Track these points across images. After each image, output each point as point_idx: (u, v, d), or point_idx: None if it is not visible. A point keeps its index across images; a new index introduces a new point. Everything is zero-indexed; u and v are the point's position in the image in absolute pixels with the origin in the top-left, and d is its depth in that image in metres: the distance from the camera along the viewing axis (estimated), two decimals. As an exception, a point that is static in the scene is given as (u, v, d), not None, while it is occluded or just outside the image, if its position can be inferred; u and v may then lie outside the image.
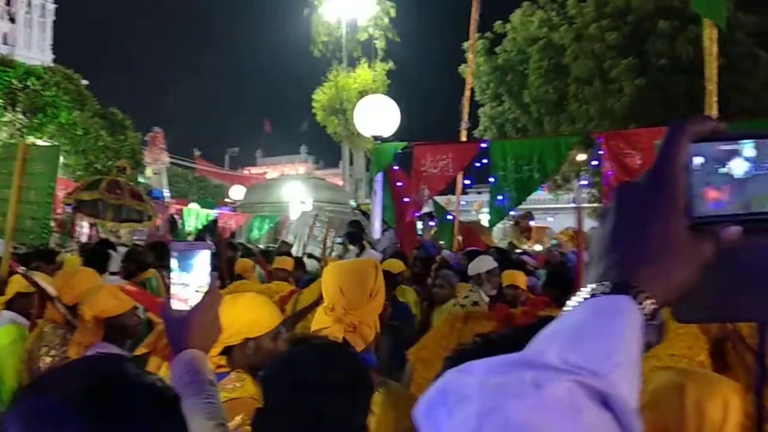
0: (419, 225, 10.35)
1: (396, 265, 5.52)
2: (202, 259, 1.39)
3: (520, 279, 5.02)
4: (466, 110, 10.64)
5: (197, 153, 52.36)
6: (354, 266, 2.60)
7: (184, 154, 45.92)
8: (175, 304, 1.39)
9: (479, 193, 28.38)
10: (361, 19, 27.24)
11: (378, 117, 8.74)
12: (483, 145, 8.01)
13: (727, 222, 0.60)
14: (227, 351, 2.28)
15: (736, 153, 0.60)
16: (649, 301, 0.56)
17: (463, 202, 10.49)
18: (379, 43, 27.72)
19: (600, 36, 20.85)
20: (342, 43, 27.75)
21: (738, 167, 0.60)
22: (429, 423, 0.50)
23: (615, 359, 0.50)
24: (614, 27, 20.83)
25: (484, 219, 18.36)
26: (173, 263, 1.38)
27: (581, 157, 18.97)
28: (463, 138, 9.66)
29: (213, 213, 18.29)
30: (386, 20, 24.71)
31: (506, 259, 6.64)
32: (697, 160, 0.60)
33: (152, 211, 12.28)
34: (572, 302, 0.57)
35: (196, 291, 1.39)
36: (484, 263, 5.09)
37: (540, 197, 35.84)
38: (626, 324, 0.53)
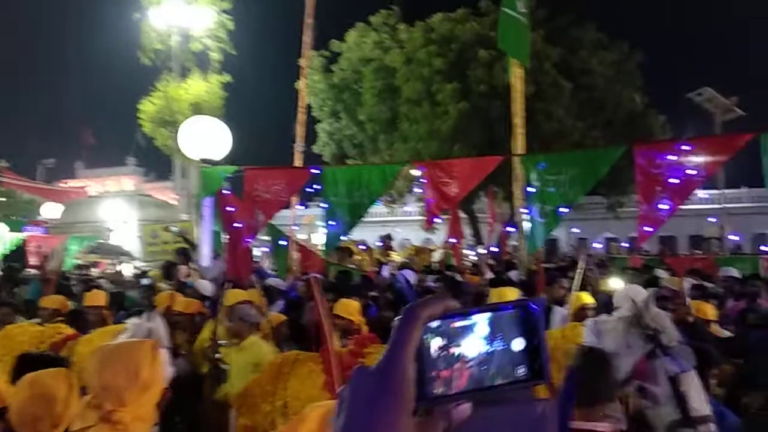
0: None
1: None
2: None
3: (350, 308, 4.99)
4: (300, 133, 10.69)
5: (4, 164, 46.46)
6: (121, 352, 2.14)
7: (-14, 166, 40.51)
8: None
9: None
10: (195, 29, 26.12)
11: (207, 140, 8.41)
12: (315, 171, 8.08)
13: (459, 399, 0.62)
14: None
15: (470, 329, 0.63)
16: None
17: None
18: (215, 55, 26.80)
19: (428, 61, 22.14)
20: (173, 53, 26.39)
21: (470, 345, 0.63)
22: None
23: None
24: (440, 53, 22.25)
25: (315, 237, 18.44)
26: None
27: (415, 172, 20.01)
28: (297, 161, 9.66)
29: (22, 235, 16.33)
30: (223, 33, 23.98)
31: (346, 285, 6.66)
32: (434, 342, 0.63)
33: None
34: None
35: None
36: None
37: (378, 210, 37.08)
38: None
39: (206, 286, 6.79)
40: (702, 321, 4.19)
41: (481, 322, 0.64)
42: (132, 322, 3.20)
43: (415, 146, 22.23)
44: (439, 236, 18.64)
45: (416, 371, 0.62)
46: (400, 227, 33.35)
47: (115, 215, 16.13)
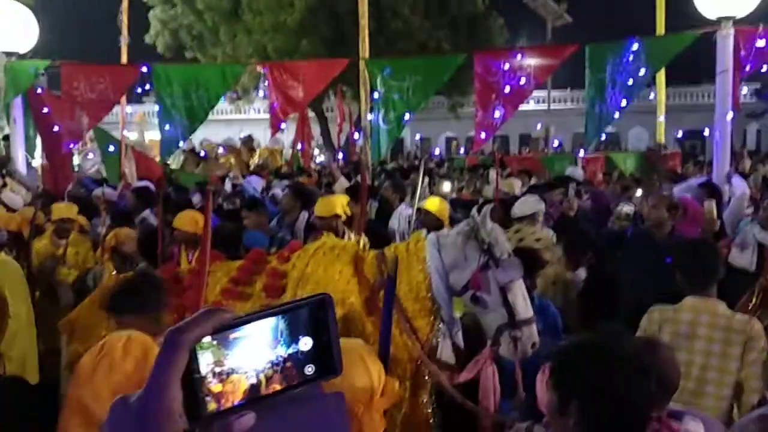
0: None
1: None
2: None
3: (191, 220, 4.69)
4: (125, 22, 9.56)
5: None
6: None
7: None
8: None
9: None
10: None
11: (8, 28, 7.13)
12: (144, 69, 7.33)
13: (238, 412, 0.60)
14: None
15: (248, 338, 0.61)
16: None
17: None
18: None
19: (271, -54, 20.57)
20: None
21: (248, 355, 0.61)
22: None
23: None
24: (282, -61, 20.73)
25: (149, 136, 17.07)
26: None
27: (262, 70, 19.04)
28: (124, 55, 8.70)
29: None
30: None
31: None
32: (204, 359, 0.59)
33: None
34: None
35: None
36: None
37: (222, 108, 35.13)
38: None
39: (14, 200, 6.04)
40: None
41: (260, 328, 0.61)
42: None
43: (260, 40, 21.04)
44: (289, 136, 18.23)
45: (187, 395, 0.58)
46: (247, 126, 32.09)
47: None
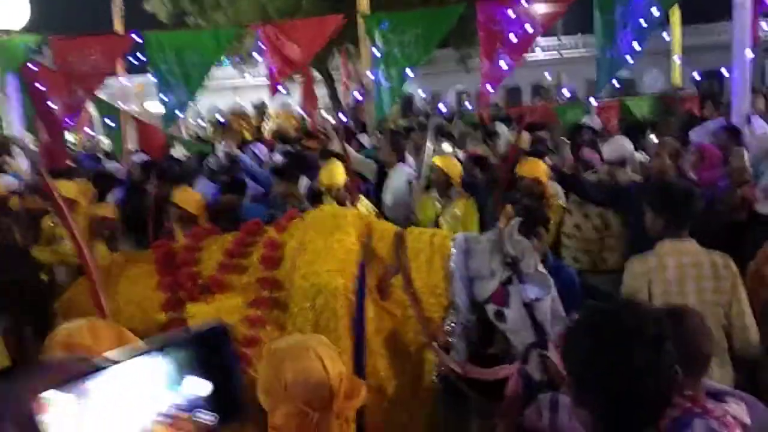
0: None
1: None
2: None
3: (188, 197, 4.48)
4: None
5: None
6: None
7: None
8: None
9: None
10: None
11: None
12: (136, 37, 7.12)
13: None
14: None
15: (110, 389, 0.48)
16: None
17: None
18: None
19: None
20: None
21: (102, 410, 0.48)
22: None
23: None
24: None
25: (153, 104, 16.82)
26: None
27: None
28: (118, 25, 8.48)
29: None
30: None
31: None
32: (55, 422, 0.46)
33: None
34: None
35: None
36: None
37: (228, 73, 34.69)
38: None
39: (9, 181, 5.93)
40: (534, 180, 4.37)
41: (126, 375, 0.48)
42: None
43: (261, 1, 20.54)
44: (296, 99, 17.86)
45: None
46: (254, 92, 31.70)
47: None
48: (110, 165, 7.33)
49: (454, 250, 2.71)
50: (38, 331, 3.79)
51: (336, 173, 4.66)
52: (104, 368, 0.48)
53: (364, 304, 2.70)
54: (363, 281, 2.47)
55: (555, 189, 4.63)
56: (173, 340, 0.50)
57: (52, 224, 4.92)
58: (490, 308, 2.63)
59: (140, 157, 6.75)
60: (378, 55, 6.49)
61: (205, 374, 0.50)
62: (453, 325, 2.71)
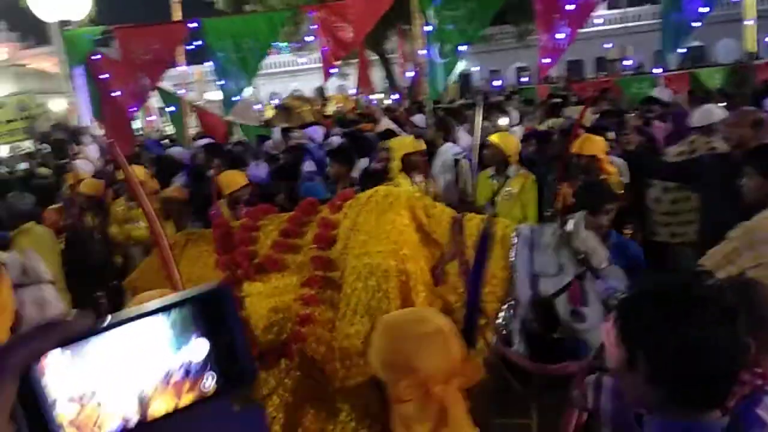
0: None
1: None
2: None
3: (239, 179, 4.66)
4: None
5: None
6: None
7: None
8: None
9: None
10: None
11: (61, -2, 7.21)
12: (194, 25, 7.26)
13: None
14: None
15: (112, 350, 0.47)
16: None
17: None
18: None
19: None
20: None
21: (112, 372, 0.47)
22: None
23: None
24: None
25: (212, 94, 17.23)
26: None
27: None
28: (176, 12, 8.68)
29: None
30: None
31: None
32: (52, 382, 0.46)
33: None
34: None
35: None
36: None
37: (285, 60, 35.22)
38: None
39: (85, 167, 6.22)
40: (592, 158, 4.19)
41: (131, 333, 0.48)
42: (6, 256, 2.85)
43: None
44: (352, 82, 17.86)
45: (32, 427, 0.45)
46: (312, 76, 32.00)
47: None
48: (174, 150, 7.57)
49: (515, 240, 2.64)
50: (114, 307, 3.99)
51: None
52: (105, 329, 0.47)
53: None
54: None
55: (616, 165, 4.45)
56: (175, 302, 0.49)
57: (125, 207, 5.14)
58: (564, 308, 2.53)
59: (205, 143, 6.92)
60: (430, 30, 6.37)
61: (208, 337, 0.49)
62: (507, 318, 2.63)
